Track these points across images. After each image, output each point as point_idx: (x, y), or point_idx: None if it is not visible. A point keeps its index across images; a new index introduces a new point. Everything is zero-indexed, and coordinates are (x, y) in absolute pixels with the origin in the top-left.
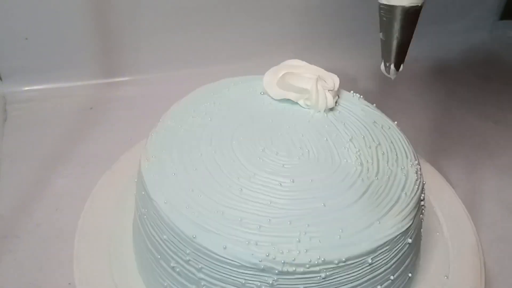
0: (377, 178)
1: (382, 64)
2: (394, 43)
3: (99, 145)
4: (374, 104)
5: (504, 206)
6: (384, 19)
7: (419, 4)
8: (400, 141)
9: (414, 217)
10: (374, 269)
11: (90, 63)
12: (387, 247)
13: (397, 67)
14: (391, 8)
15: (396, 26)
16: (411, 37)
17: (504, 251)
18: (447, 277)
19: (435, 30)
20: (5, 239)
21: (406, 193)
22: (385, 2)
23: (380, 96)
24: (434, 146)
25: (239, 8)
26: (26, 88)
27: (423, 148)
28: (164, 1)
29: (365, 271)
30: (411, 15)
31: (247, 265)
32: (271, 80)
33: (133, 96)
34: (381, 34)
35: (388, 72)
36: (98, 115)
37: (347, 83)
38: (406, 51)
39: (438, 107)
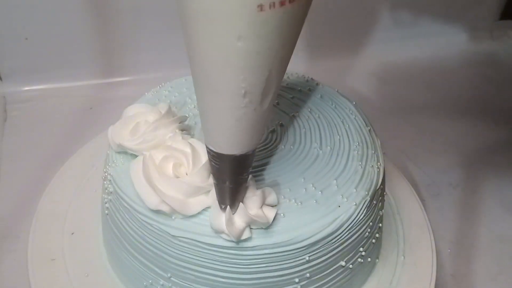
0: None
1: (217, 204)
2: (228, 190)
3: (99, 145)
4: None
5: (504, 206)
6: (213, 164)
7: (252, 150)
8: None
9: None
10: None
11: (90, 63)
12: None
13: (233, 209)
14: (220, 156)
15: (228, 174)
16: (247, 177)
17: (504, 251)
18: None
19: (435, 30)
20: (5, 239)
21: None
22: (213, 149)
23: (380, 96)
24: (434, 146)
25: None
26: (26, 88)
27: (423, 148)
28: (164, 1)
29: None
30: (245, 161)
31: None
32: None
33: (133, 96)
34: (211, 176)
35: (224, 211)
36: (98, 115)
37: (346, 83)
38: (244, 191)
39: (437, 107)
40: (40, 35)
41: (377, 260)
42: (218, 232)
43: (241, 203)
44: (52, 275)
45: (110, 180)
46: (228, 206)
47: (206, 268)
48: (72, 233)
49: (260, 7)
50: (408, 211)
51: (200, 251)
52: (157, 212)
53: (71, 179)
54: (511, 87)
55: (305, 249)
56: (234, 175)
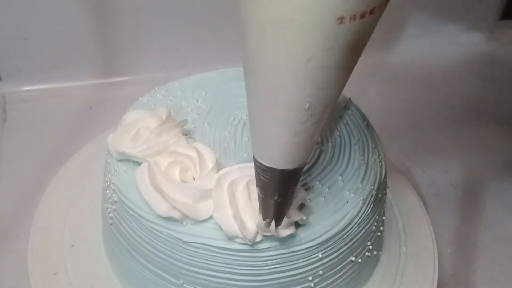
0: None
1: (260, 218)
2: (275, 204)
3: (99, 145)
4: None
5: (504, 206)
6: (262, 177)
7: (302, 166)
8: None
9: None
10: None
11: (90, 63)
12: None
13: (277, 224)
14: (271, 170)
15: (278, 188)
16: (293, 193)
17: (504, 251)
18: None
19: (435, 30)
20: (5, 239)
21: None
22: (264, 164)
23: (380, 96)
24: (434, 146)
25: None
26: (26, 88)
27: (423, 148)
28: (164, 1)
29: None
30: (295, 175)
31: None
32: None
33: (133, 96)
34: (257, 189)
35: (268, 227)
36: (97, 115)
37: (348, 83)
38: (289, 207)
39: (438, 107)
40: (40, 35)
41: (381, 252)
42: (231, 237)
43: (252, 205)
44: (52, 277)
45: (114, 189)
46: (274, 221)
47: (220, 272)
48: (73, 245)
49: (341, 19)
50: (408, 210)
51: (214, 256)
52: (167, 219)
53: (71, 180)
54: (511, 87)
55: (318, 247)
56: (284, 190)
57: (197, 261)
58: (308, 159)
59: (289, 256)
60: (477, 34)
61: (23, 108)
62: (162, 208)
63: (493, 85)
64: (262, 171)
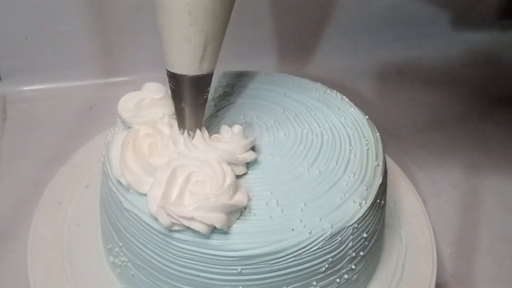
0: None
1: (176, 128)
2: (185, 111)
3: (99, 144)
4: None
5: (504, 206)
6: (170, 85)
7: (205, 73)
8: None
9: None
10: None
11: (90, 63)
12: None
13: (191, 134)
14: (176, 76)
15: (184, 95)
16: (204, 103)
17: (504, 251)
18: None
19: (435, 30)
20: (5, 239)
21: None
22: (169, 69)
23: (380, 96)
24: (434, 146)
25: (238, 9)
26: (26, 88)
27: (423, 148)
28: None
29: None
30: (199, 83)
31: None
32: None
33: None
34: (172, 100)
35: (182, 134)
36: (98, 115)
37: (348, 83)
38: (201, 116)
39: (438, 107)
40: (40, 35)
41: (379, 260)
42: (153, 216)
43: (184, 194)
44: (52, 278)
45: (106, 145)
46: (186, 131)
47: (145, 247)
48: (72, 245)
49: None
50: (408, 211)
51: (142, 230)
52: (119, 183)
53: (71, 179)
54: (511, 87)
55: (236, 260)
56: (189, 97)
57: (132, 230)
58: (311, 150)
59: (203, 257)
60: (477, 34)
61: (23, 108)
62: (115, 172)
63: (493, 85)
64: (169, 78)
